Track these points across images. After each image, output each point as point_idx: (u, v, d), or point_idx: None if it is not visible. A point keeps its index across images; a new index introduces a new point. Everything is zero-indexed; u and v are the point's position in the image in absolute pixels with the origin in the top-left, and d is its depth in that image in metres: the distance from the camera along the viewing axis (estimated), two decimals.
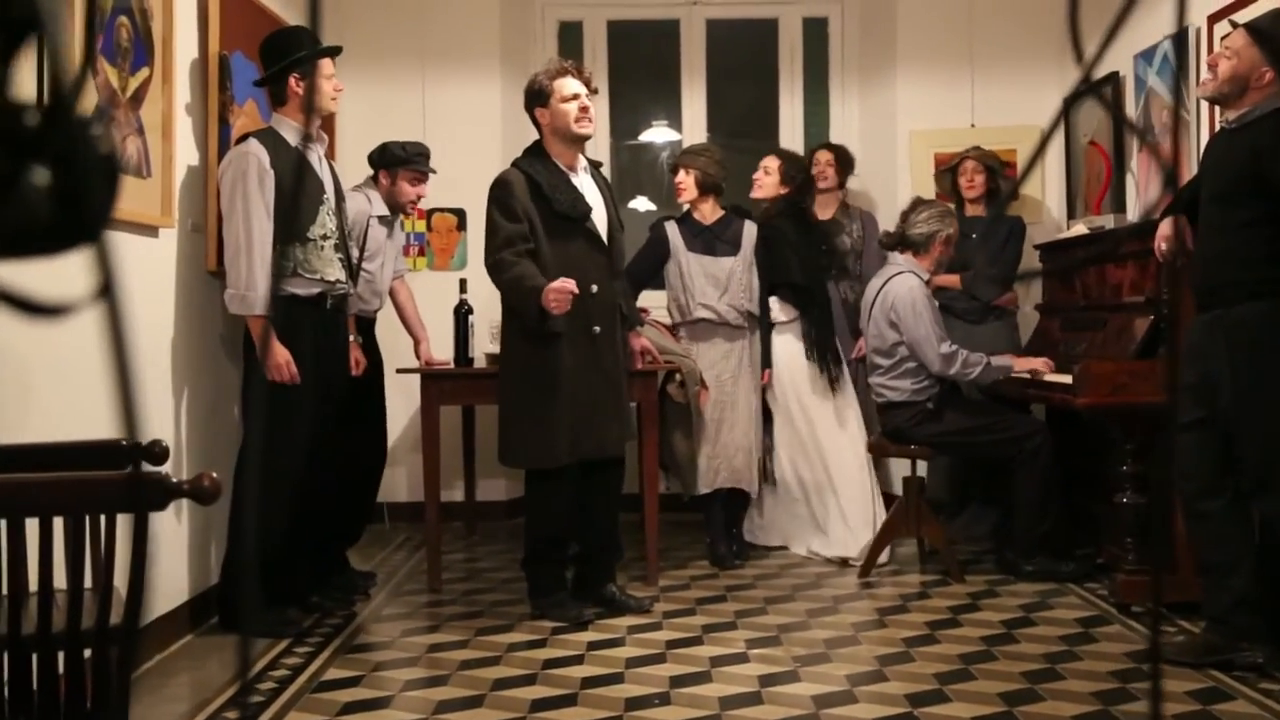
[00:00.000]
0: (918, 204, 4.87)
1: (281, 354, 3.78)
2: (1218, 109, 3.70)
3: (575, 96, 4.04)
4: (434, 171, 4.81)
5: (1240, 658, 3.33)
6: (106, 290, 0.59)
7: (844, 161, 5.69)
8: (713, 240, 4.97)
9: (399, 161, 4.65)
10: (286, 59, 3.90)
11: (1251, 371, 3.31)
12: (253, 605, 3.79)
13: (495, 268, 3.97)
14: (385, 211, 4.66)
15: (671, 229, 5.03)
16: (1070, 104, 5.54)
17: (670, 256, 5.00)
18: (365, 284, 4.56)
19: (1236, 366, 3.32)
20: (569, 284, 3.82)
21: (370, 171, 4.76)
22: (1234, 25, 3.53)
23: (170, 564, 3.78)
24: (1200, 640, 3.49)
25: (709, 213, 5.01)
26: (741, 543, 5.11)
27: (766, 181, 5.23)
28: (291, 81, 3.95)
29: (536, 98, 4.07)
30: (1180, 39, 4.48)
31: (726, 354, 4.96)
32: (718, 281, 4.93)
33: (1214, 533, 3.41)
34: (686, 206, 5.07)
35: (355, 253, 4.51)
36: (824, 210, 5.66)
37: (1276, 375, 3.29)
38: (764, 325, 5.04)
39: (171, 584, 3.79)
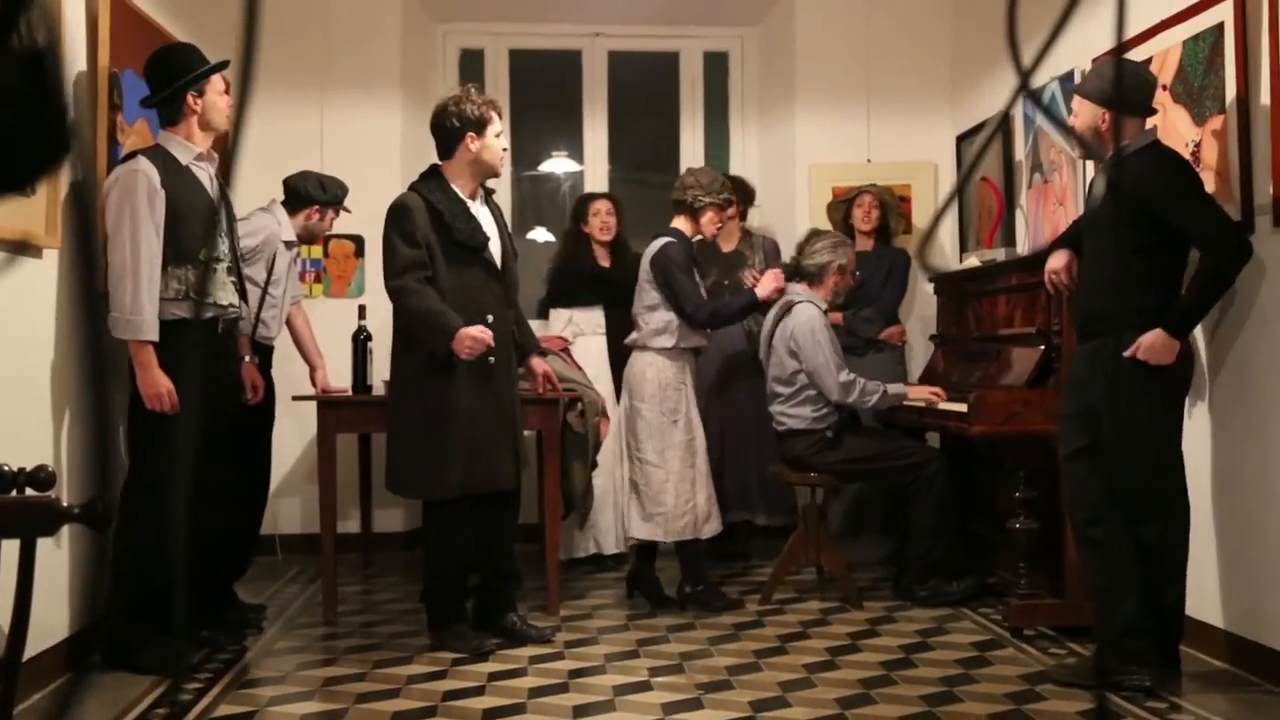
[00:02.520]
0: (813, 235, 4.95)
1: (162, 383, 3.66)
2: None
3: (500, 135, 4.10)
4: (349, 211, 4.81)
5: (1129, 680, 3.41)
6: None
7: (742, 193, 5.74)
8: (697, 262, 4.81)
9: (336, 201, 4.69)
10: (183, 76, 3.82)
11: (1127, 401, 3.42)
12: (141, 638, 3.67)
13: (400, 294, 3.93)
14: (293, 237, 4.59)
15: (688, 244, 4.71)
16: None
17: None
18: (270, 309, 4.47)
19: (1114, 397, 3.44)
20: (487, 335, 3.84)
21: (261, 195, 4.68)
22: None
23: (49, 598, 3.62)
24: (1090, 663, 3.58)
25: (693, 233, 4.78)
26: (712, 589, 4.66)
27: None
28: (189, 99, 3.86)
29: (473, 124, 4.03)
30: (1067, 79, 4.64)
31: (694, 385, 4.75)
32: None
33: (1103, 559, 3.50)
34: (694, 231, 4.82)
35: (262, 276, 4.44)
36: (727, 242, 5.70)
37: (1152, 405, 3.42)
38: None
39: (50, 619, 3.63)
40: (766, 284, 4.67)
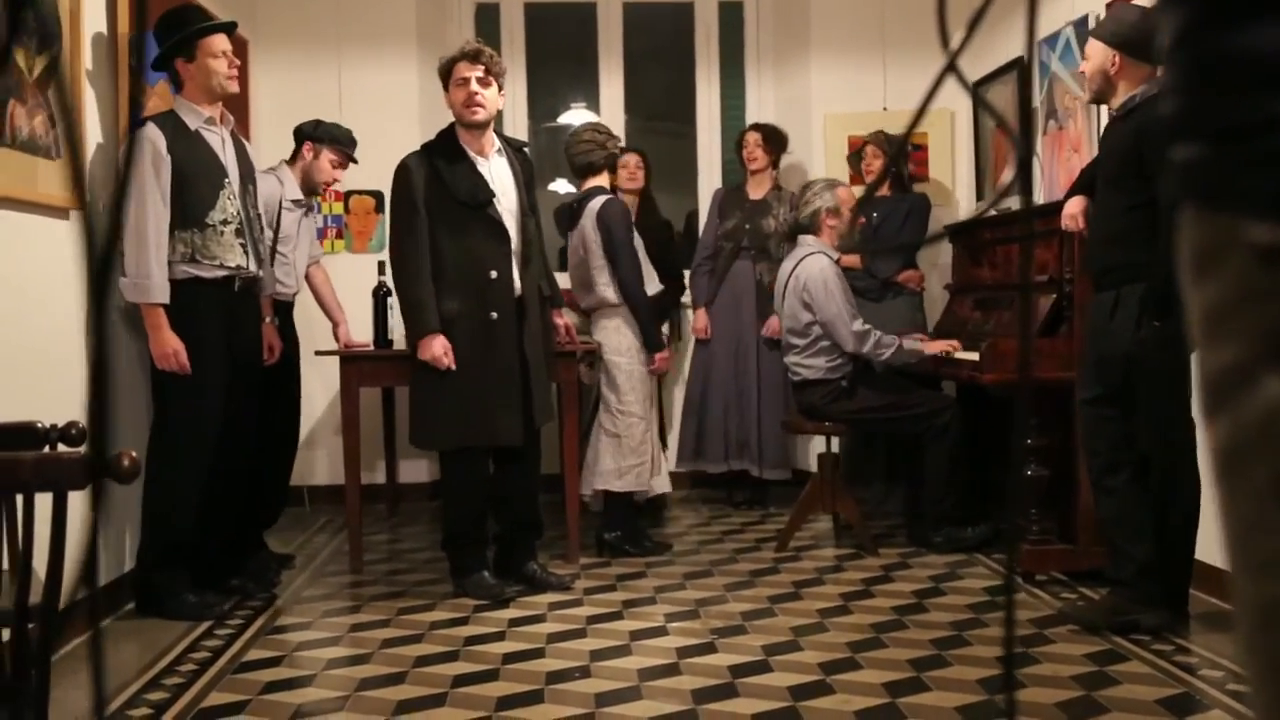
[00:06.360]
0: (803, 189, 5.05)
1: (170, 343, 3.75)
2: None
3: (464, 82, 4.05)
4: (356, 161, 4.83)
5: (1143, 620, 3.49)
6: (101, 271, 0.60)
7: (774, 141, 5.76)
8: None
9: (330, 139, 4.65)
10: (173, 40, 3.87)
11: (1142, 352, 3.45)
12: (172, 586, 3.78)
13: (397, 267, 4.07)
14: (298, 194, 4.64)
15: (622, 201, 4.90)
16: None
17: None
18: (280, 267, 4.54)
19: (1130, 348, 3.47)
20: (447, 359, 3.94)
21: (284, 155, 4.74)
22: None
23: (83, 548, 3.74)
24: (1104, 603, 3.65)
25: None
26: (631, 533, 4.80)
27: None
28: (178, 65, 3.91)
29: (443, 78, 4.13)
30: (1081, 24, 4.62)
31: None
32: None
33: (1119, 504, 3.55)
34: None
35: (268, 235, 4.50)
36: (756, 190, 5.76)
37: (1163, 356, 3.44)
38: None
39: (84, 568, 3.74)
40: (660, 363, 4.75)
